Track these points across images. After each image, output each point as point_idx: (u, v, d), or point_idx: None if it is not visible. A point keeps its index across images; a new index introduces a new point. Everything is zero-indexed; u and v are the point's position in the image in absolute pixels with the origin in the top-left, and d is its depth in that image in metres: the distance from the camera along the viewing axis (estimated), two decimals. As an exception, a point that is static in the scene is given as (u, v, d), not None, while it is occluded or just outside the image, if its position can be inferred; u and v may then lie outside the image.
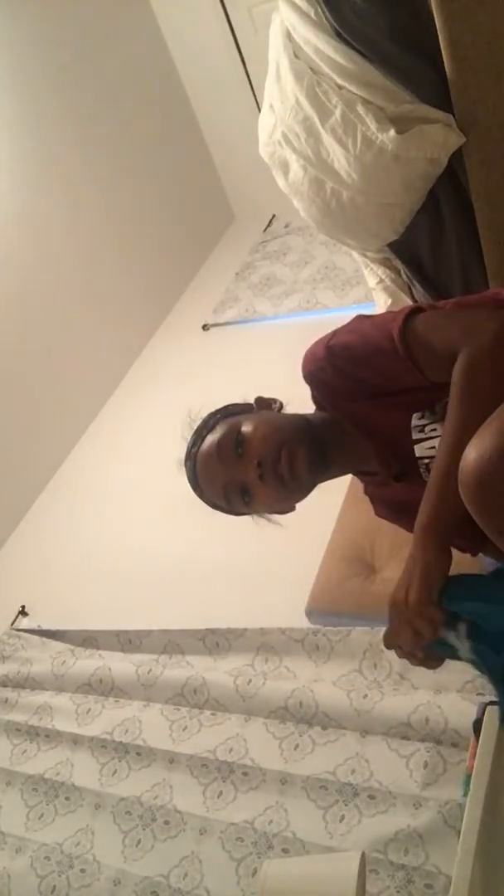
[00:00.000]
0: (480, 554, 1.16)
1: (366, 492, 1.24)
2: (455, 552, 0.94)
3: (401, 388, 0.99)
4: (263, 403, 1.17)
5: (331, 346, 1.04)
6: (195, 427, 1.14)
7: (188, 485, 1.13)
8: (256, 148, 1.85)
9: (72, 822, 1.70)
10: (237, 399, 1.19)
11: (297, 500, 1.11)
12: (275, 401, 1.17)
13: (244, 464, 1.03)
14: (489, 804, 0.98)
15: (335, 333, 1.06)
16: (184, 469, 1.13)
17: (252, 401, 1.18)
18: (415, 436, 1.02)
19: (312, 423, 1.10)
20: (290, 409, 1.17)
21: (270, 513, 1.15)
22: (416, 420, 1.01)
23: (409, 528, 1.18)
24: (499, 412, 0.81)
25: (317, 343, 1.07)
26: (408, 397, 1.02)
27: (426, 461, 1.04)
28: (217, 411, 1.15)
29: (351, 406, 1.07)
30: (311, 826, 1.42)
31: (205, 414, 1.17)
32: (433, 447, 1.00)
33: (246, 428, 1.06)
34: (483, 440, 0.77)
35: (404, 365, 0.96)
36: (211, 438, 1.08)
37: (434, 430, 1.00)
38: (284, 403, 1.18)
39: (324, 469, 1.08)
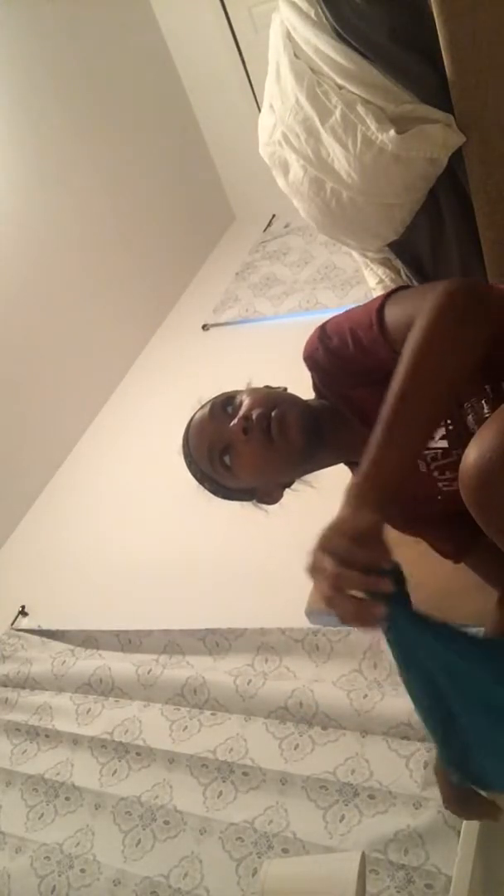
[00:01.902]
0: None
1: None
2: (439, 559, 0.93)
3: (388, 370, 0.99)
4: (268, 387, 1.19)
5: (323, 327, 1.06)
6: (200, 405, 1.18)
7: (187, 476, 1.15)
8: (256, 148, 1.85)
9: (72, 822, 1.70)
10: None
11: (282, 472, 1.09)
12: (277, 386, 1.20)
13: (231, 421, 1.06)
14: (489, 804, 0.98)
15: (332, 317, 1.08)
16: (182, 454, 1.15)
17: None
18: None
19: (310, 403, 1.12)
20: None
21: (254, 485, 1.12)
22: None
23: (398, 523, 1.19)
24: (499, 413, 0.81)
25: (315, 328, 1.09)
26: None
27: (425, 451, 1.03)
28: (222, 392, 1.18)
29: (349, 392, 1.07)
30: (311, 826, 1.42)
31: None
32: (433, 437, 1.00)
33: (241, 392, 1.10)
34: (483, 440, 0.77)
35: (381, 341, 0.95)
36: (207, 403, 1.12)
37: None
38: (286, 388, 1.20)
39: (316, 444, 1.06)
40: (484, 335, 0.83)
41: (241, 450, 1.04)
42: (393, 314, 0.95)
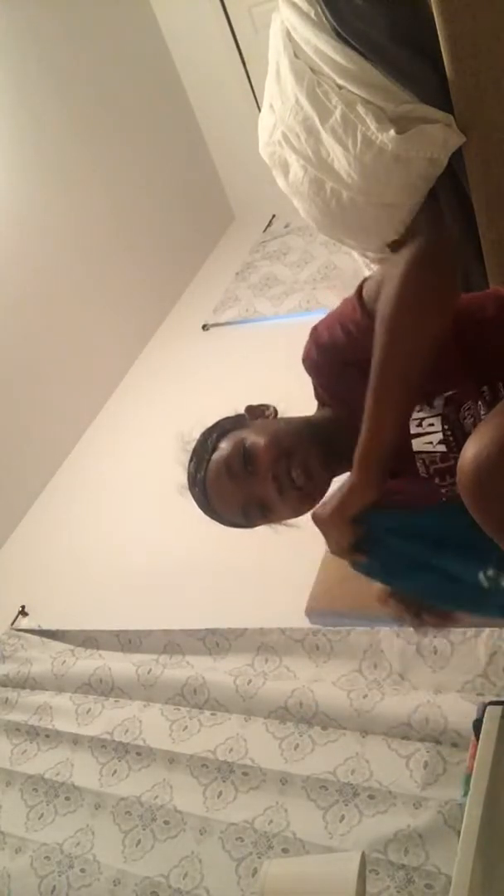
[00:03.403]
0: None
1: None
2: None
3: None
4: (256, 412, 1.14)
5: (315, 328, 1.07)
6: (191, 449, 1.11)
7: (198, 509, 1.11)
8: (256, 148, 1.85)
9: (72, 822, 1.70)
10: (234, 401, 1.18)
11: (318, 502, 1.10)
12: (267, 407, 1.15)
13: (258, 480, 1.02)
14: (489, 804, 0.99)
15: (322, 318, 1.08)
16: (190, 495, 1.10)
17: (243, 410, 1.16)
18: (413, 430, 1.02)
19: (313, 423, 1.09)
20: (291, 409, 1.16)
21: (291, 519, 1.13)
22: (414, 414, 1.01)
23: None
24: (497, 411, 0.81)
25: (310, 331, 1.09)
26: None
27: (423, 456, 1.03)
28: (210, 430, 1.12)
29: (349, 395, 1.06)
30: (311, 826, 1.42)
31: (196, 434, 1.14)
32: (430, 442, 1.00)
33: (250, 442, 1.04)
34: (480, 437, 0.77)
35: (365, 321, 0.96)
36: (217, 459, 1.06)
37: (431, 424, 1.00)
38: (278, 409, 1.15)
39: (336, 463, 1.07)
40: (452, 285, 0.90)
41: (279, 507, 1.06)
42: (368, 290, 0.98)
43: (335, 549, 1.00)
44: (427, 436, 1.01)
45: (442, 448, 1.00)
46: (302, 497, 1.04)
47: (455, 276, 0.92)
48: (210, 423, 1.17)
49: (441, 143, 1.51)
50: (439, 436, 0.99)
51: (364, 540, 0.98)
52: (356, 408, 1.06)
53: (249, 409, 1.15)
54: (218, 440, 1.08)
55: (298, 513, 1.08)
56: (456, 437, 0.99)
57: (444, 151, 1.53)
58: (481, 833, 0.97)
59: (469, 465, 0.77)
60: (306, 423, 1.09)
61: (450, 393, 0.97)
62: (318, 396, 1.15)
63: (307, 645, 1.74)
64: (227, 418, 1.14)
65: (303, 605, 1.86)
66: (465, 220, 1.66)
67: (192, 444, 1.13)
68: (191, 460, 1.10)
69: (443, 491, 1.08)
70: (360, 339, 0.97)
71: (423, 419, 1.00)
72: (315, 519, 0.99)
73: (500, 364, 0.97)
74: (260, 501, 1.04)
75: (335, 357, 1.04)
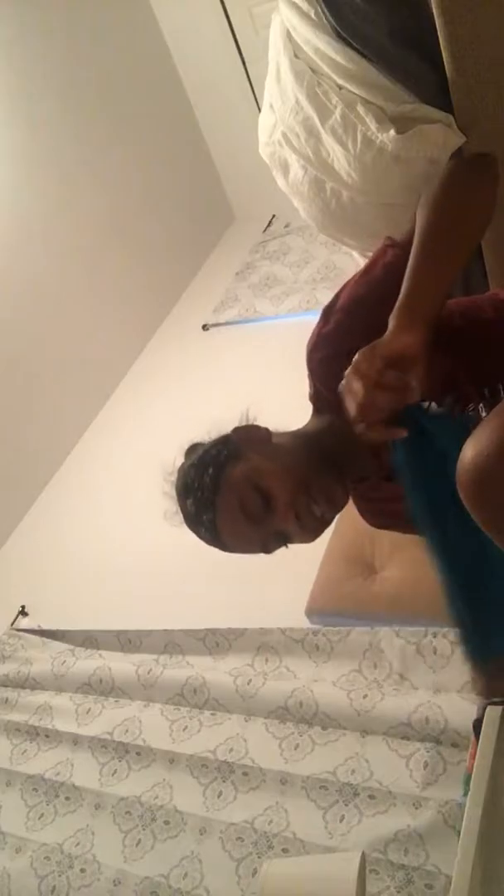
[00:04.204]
0: None
1: (357, 505, 1.22)
2: None
3: None
4: (247, 434, 1.08)
5: (323, 313, 1.06)
6: (186, 484, 1.05)
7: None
8: (256, 148, 1.85)
9: (72, 822, 1.70)
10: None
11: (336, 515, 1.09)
12: (258, 428, 1.09)
13: (278, 519, 0.99)
14: (489, 804, 0.98)
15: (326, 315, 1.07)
16: (193, 533, 1.06)
17: (238, 416, 1.11)
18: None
19: (313, 438, 1.06)
20: (291, 409, 1.15)
21: None
22: None
23: (406, 531, 1.18)
24: (496, 411, 0.82)
25: (314, 331, 1.07)
26: None
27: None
28: (202, 463, 1.04)
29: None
30: (311, 826, 1.42)
31: (177, 462, 1.09)
32: None
33: (265, 483, 0.98)
34: (480, 438, 0.77)
35: (398, 251, 1.00)
36: (229, 502, 0.99)
37: None
38: (273, 428, 1.10)
39: (346, 477, 1.07)
40: (491, 191, 0.97)
41: (301, 536, 1.03)
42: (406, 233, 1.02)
43: (361, 409, 0.83)
44: None
45: None
46: (323, 524, 1.03)
47: (495, 186, 0.99)
48: (191, 439, 1.12)
49: (441, 143, 1.51)
50: None
51: (403, 420, 0.83)
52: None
53: (238, 430, 1.08)
54: (217, 476, 1.01)
55: (320, 534, 1.06)
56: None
57: (444, 151, 1.53)
58: (481, 833, 0.97)
59: (469, 467, 0.77)
60: (306, 441, 1.05)
61: (449, 399, 0.97)
62: (313, 399, 1.14)
63: (307, 645, 1.74)
64: (214, 445, 1.07)
65: (303, 605, 1.86)
66: (465, 220, 1.66)
67: (179, 476, 1.08)
68: (187, 497, 1.04)
69: None
70: (388, 280, 0.96)
71: None
72: (354, 370, 0.84)
73: (500, 366, 0.97)
74: (282, 535, 1.02)
75: (358, 319, 1.00)
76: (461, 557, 0.86)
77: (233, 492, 0.99)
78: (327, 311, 1.06)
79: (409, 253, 0.94)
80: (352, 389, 0.83)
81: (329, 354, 1.04)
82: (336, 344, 1.02)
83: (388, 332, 0.85)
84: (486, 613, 0.86)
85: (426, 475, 0.86)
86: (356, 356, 0.84)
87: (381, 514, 1.20)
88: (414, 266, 0.89)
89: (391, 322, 0.86)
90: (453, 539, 0.85)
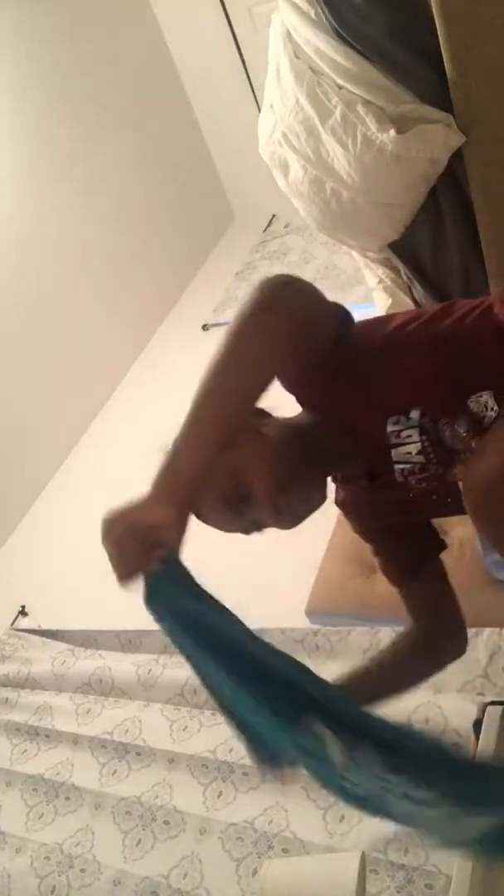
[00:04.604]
0: (483, 553, 1.14)
1: (339, 504, 1.22)
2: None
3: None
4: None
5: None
6: None
7: None
8: (256, 148, 1.85)
9: (72, 822, 1.70)
10: None
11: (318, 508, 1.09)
12: (258, 410, 1.08)
13: (256, 510, 1.00)
14: (489, 804, 0.98)
15: None
16: None
17: None
18: (392, 440, 1.02)
19: (300, 432, 1.06)
20: (290, 411, 1.14)
21: None
22: (391, 426, 1.00)
23: (371, 542, 1.17)
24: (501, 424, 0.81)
25: None
26: (379, 392, 1.00)
27: (401, 466, 1.03)
28: None
29: (331, 402, 1.05)
30: (311, 826, 1.42)
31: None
32: (409, 452, 1.00)
33: (247, 477, 0.99)
34: (487, 454, 0.77)
35: None
36: (211, 487, 0.99)
37: (409, 435, 0.99)
38: (270, 408, 1.09)
39: (328, 475, 1.07)
40: (289, 322, 0.85)
41: (280, 526, 1.03)
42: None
43: (114, 567, 0.86)
44: (405, 446, 1.00)
45: (420, 458, 1.00)
46: (300, 516, 1.03)
47: (293, 311, 0.87)
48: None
49: (441, 143, 1.51)
50: (418, 446, 0.99)
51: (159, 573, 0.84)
52: (336, 411, 1.05)
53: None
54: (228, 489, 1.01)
55: (297, 525, 1.06)
56: (434, 447, 0.99)
57: (444, 151, 1.53)
58: (481, 833, 0.97)
59: (478, 484, 0.76)
60: (294, 434, 1.05)
61: (425, 406, 0.96)
62: (298, 399, 1.13)
63: (307, 645, 1.74)
64: None
65: (303, 605, 1.86)
66: (465, 220, 1.66)
67: None
68: None
69: (421, 501, 1.07)
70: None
71: (400, 430, 0.99)
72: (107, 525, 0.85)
73: (474, 377, 0.96)
74: (258, 524, 1.03)
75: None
76: (219, 688, 0.89)
77: (216, 476, 0.98)
78: None
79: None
80: (104, 547, 0.84)
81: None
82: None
83: (146, 496, 0.82)
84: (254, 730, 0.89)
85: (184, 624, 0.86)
86: (110, 515, 0.83)
87: (360, 516, 1.19)
88: (181, 432, 0.83)
89: (154, 482, 0.83)
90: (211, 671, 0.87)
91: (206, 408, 0.85)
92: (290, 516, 1.02)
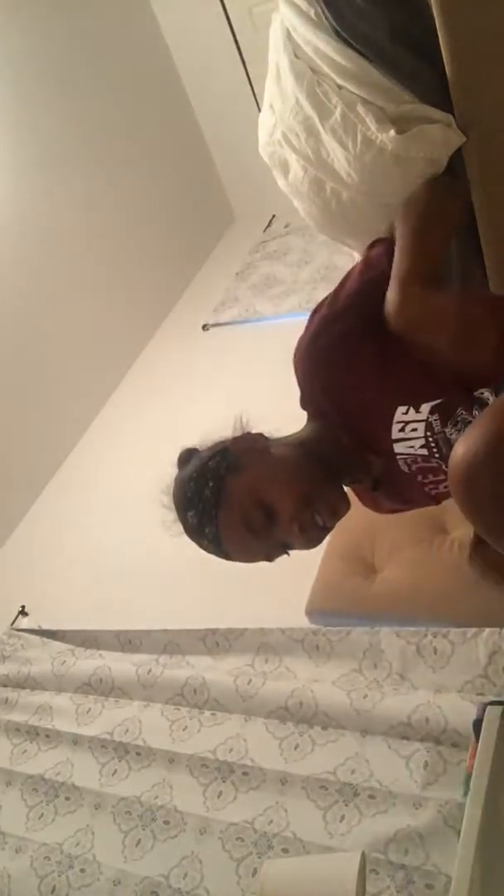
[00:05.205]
0: None
1: (362, 501, 1.23)
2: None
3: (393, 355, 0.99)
4: (246, 443, 1.07)
5: (312, 319, 1.07)
6: (186, 497, 1.05)
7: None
8: (256, 148, 1.84)
9: (72, 822, 1.70)
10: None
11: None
12: (255, 437, 1.08)
13: (281, 530, 1.00)
14: (489, 804, 0.99)
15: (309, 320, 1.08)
16: (196, 545, 1.07)
17: (234, 419, 1.11)
18: (395, 434, 1.02)
19: (310, 448, 1.06)
20: (289, 411, 1.15)
21: None
22: (399, 415, 1.00)
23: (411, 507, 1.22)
24: (489, 410, 0.82)
25: (301, 339, 1.07)
26: (395, 382, 1.01)
27: (405, 457, 1.04)
28: (200, 476, 1.04)
29: (339, 398, 1.05)
30: (311, 826, 1.42)
31: (172, 473, 1.10)
32: (412, 447, 1.01)
33: (267, 497, 0.99)
34: (471, 436, 0.78)
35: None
36: (228, 516, 1.00)
37: (414, 430, 1.00)
38: (268, 433, 1.10)
39: (340, 480, 1.08)
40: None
41: (301, 544, 1.04)
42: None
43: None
44: (408, 441, 1.01)
45: (423, 452, 1.01)
46: (325, 532, 1.04)
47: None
48: (182, 445, 1.12)
49: (441, 143, 1.51)
50: (421, 441, 1.00)
51: None
52: (342, 411, 1.05)
53: (237, 441, 1.07)
54: (218, 489, 1.01)
55: (321, 541, 1.07)
56: (437, 443, 1.00)
57: (444, 151, 1.53)
58: (481, 833, 0.97)
59: (459, 464, 0.78)
60: (305, 450, 1.05)
61: (438, 401, 0.97)
62: (305, 406, 1.12)
63: (307, 645, 1.74)
64: (212, 455, 1.06)
65: (303, 605, 1.86)
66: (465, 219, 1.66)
67: (178, 487, 1.08)
68: (187, 511, 1.04)
69: (429, 491, 1.09)
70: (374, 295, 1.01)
71: (406, 423, 1.00)
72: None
73: (478, 373, 0.97)
74: (284, 543, 1.03)
75: (353, 322, 1.03)
76: None
77: (235, 506, 0.99)
78: (322, 311, 1.07)
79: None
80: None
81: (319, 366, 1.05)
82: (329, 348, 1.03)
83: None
84: None
85: None
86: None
87: (382, 502, 1.21)
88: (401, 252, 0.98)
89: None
90: None
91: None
92: (315, 531, 1.02)
